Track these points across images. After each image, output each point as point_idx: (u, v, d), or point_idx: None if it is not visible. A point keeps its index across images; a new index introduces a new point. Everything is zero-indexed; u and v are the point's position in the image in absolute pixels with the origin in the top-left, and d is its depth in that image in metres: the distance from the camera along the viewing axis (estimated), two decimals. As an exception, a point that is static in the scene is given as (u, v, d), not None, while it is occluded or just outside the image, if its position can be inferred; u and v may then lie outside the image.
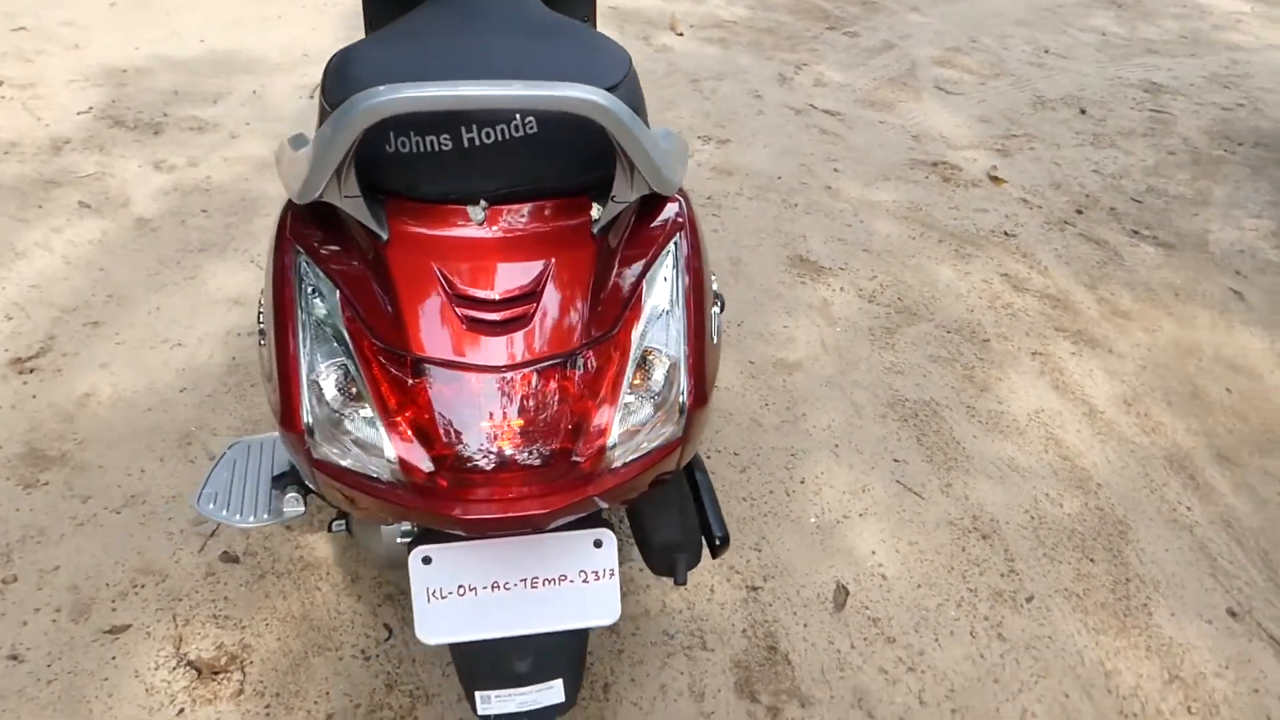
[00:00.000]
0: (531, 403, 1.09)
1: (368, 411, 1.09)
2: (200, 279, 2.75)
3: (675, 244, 1.24)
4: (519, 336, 1.10)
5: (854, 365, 2.71)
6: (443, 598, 1.24)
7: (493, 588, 1.25)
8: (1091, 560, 2.19)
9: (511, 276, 1.12)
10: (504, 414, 1.08)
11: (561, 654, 1.31)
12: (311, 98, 3.84)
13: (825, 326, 2.87)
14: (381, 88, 0.95)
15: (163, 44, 4.18)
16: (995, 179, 3.85)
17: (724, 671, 1.83)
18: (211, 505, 1.42)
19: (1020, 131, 4.32)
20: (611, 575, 1.26)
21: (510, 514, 1.07)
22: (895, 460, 2.40)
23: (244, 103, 3.76)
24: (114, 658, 1.75)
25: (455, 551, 1.23)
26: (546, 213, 1.15)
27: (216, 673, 1.73)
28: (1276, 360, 2.96)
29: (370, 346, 1.10)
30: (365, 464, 1.10)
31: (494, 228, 1.13)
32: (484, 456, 1.07)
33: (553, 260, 1.13)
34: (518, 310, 1.11)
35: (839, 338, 2.83)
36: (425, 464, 1.08)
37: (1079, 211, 3.69)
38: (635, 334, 1.17)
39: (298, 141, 1.17)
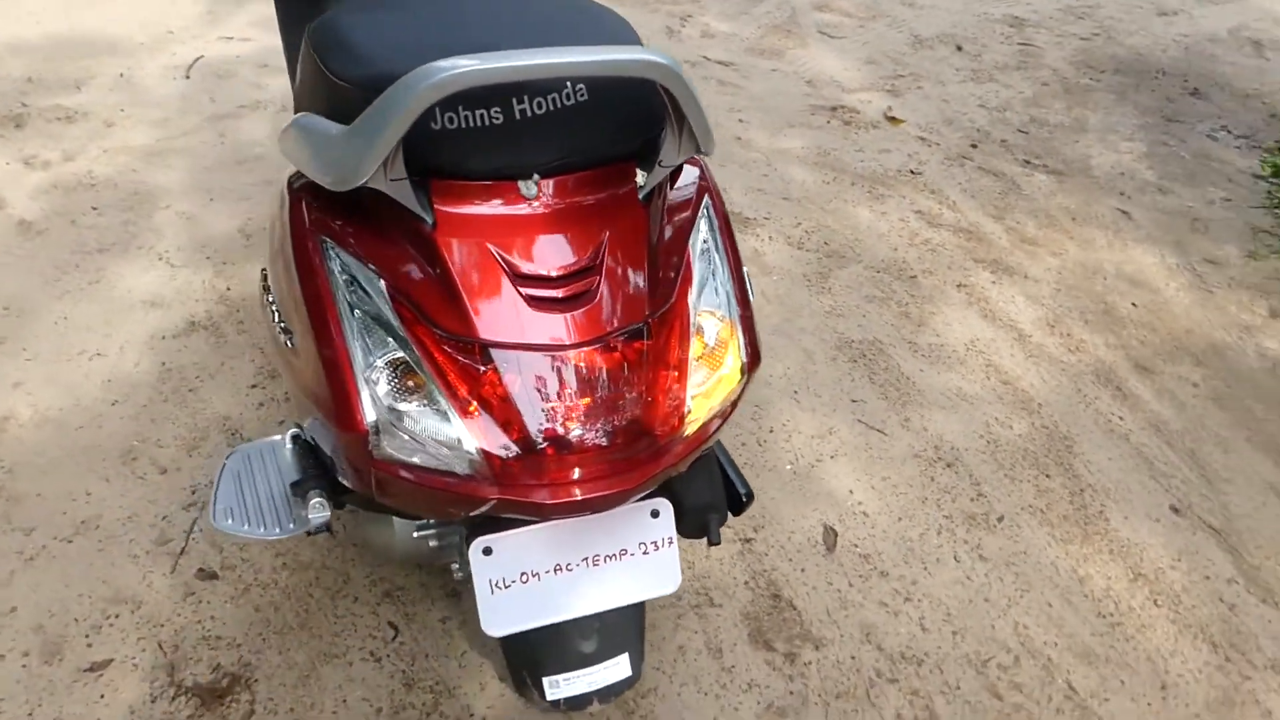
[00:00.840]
0: (604, 378, 1.06)
1: (438, 403, 1.03)
2: (107, 282, 2.55)
3: (706, 206, 1.23)
4: (584, 312, 1.06)
5: (797, 312, 2.76)
6: (506, 587, 1.20)
7: (555, 570, 1.22)
8: (1048, 476, 2.31)
9: (569, 251, 1.08)
10: (579, 392, 1.05)
11: (624, 628, 1.29)
12: (188, 78, 3.58)
13: (761, 276, 2.90)
14: (443, 62, 0.89)
15: (2, 25, 3.80)
16: (892, 119, 3.96)
17: (735, 625, 1.86)
18: (230, 521, 1.33)
19: (906, 71, 4.45)
20: (670, 544, 1.25)
21: (594, 494, 1.05)
22: (853, 400, 2.47)
23: (112, 88, 3.47)
24: (101, 696, 1.63)
25: (515, 538, 1.20)
26: (595, 183, 1.11)
27: (221, 696, 1.64)
28: (1169, 273, 3.19)
29: (429, 335, 1.04)
30: (438, 458, 1.05)
31: (545, 202, 1.08)
32: (563, 437, 1.04)
33: (607, 232, 1.09)
34: (579, 285, 1.07)
35: (777, 286, 2.87)
36: (506, 451, 1.04)
37: (973, 146, 3.84)
38: (691, 299, 1.15)
39: (313, 123, 1.08)
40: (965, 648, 1.87)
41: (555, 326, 1.05)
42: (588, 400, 1.05)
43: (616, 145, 1.12)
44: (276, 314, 1.18)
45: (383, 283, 1.06)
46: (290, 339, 1.13)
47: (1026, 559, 2.09)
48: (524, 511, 1.06)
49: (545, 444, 1.04)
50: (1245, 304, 3.07)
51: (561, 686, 1.26)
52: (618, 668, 1.28)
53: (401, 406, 1.04)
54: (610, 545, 1.23)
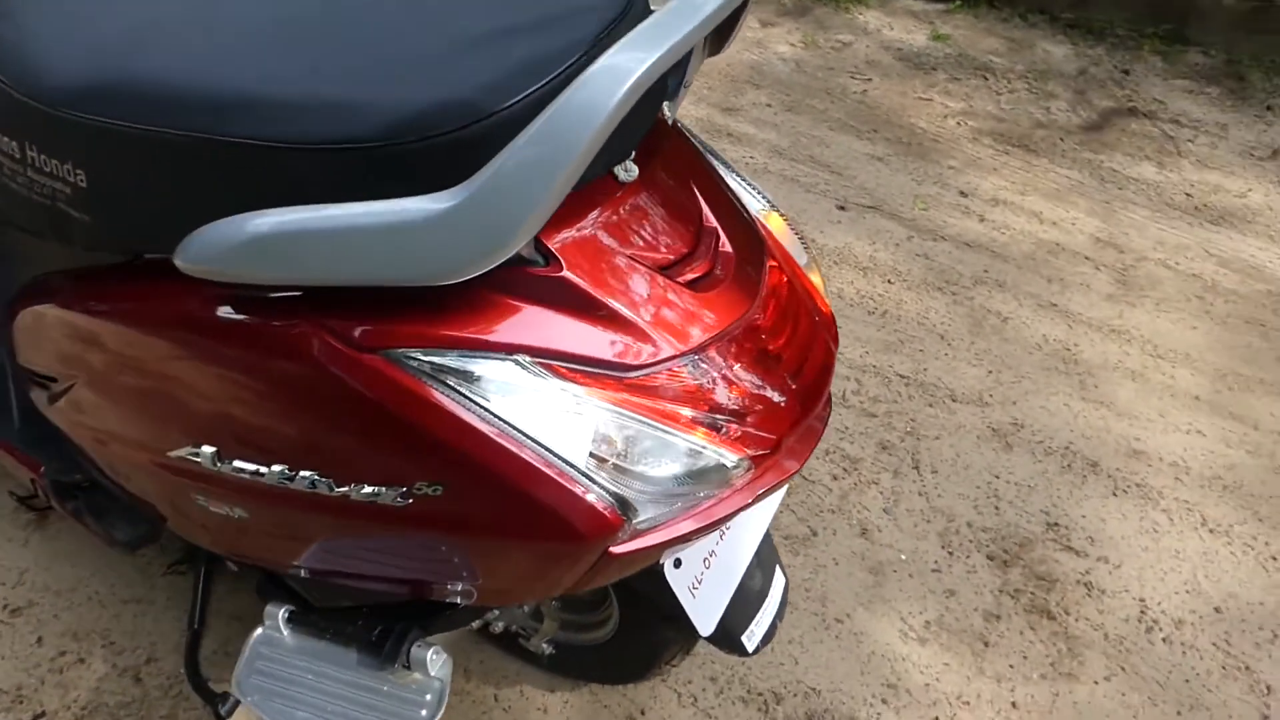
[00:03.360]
0: (790, 320, 0.94)
1: (671, 442, 0.82)
2: None
3: (700, 143, 1.10)
4: (733, 267, 0.91)
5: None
6: (699, 583, 1.06)
7: (720, 536, 1.10)
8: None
9: (683, 215, 0.91)
10: (776, 362, 0.92)
11: (763, 546, 1.23)
12: None
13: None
14: (617, 58, 0.65)
15: None
16: None
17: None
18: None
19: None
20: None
21: (799, 464, 0.95)
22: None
23: None
24: None
25: (691, 535, 1.05)
26: (653, 132, 0.92)
27: None
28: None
29: (617, 383, 0.81)
30: (694, 495, 0.86)
31: (640, 179, 0.88)
32: (780, 412, 0.91)
33: (690, 180, 0.94)
34: (711, 243, 0.91)
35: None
36: (759, 448, 0.88)
37: None
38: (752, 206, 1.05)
39: (373, 212, 0.72)
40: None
41: (727, 297, 0.88)
42: (787, 366, 0.92)
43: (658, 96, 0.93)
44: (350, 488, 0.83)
45: (515, 360, 0.79)
46: (432, 488, 0.81)
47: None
48: (775, 490, 0.93)
49: (782, 408, 0.90)
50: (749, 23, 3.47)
51: (755, 633, 1.18)
52: (779, 583, 1.23)
53: (638, 471, 0.82)
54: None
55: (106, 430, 0.99)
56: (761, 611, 1.18)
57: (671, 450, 0.82)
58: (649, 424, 0.80)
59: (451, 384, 0.78)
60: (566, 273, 0.80)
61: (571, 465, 0.79)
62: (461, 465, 0.79)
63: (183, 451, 0.89)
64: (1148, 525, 1.81)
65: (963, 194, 2.72)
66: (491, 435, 0.78)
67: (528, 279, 0.80)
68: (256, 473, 0.85)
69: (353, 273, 0.73)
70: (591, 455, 0.79)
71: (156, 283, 0.84)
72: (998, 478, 1.88)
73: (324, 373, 0.78)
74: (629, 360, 0.81)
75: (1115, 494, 1.87)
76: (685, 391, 0.83)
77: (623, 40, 0.66)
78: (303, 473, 0.83)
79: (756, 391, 0.87)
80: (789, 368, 0.91)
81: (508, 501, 0.79)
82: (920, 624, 1.61)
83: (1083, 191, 2.79)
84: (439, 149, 0.72)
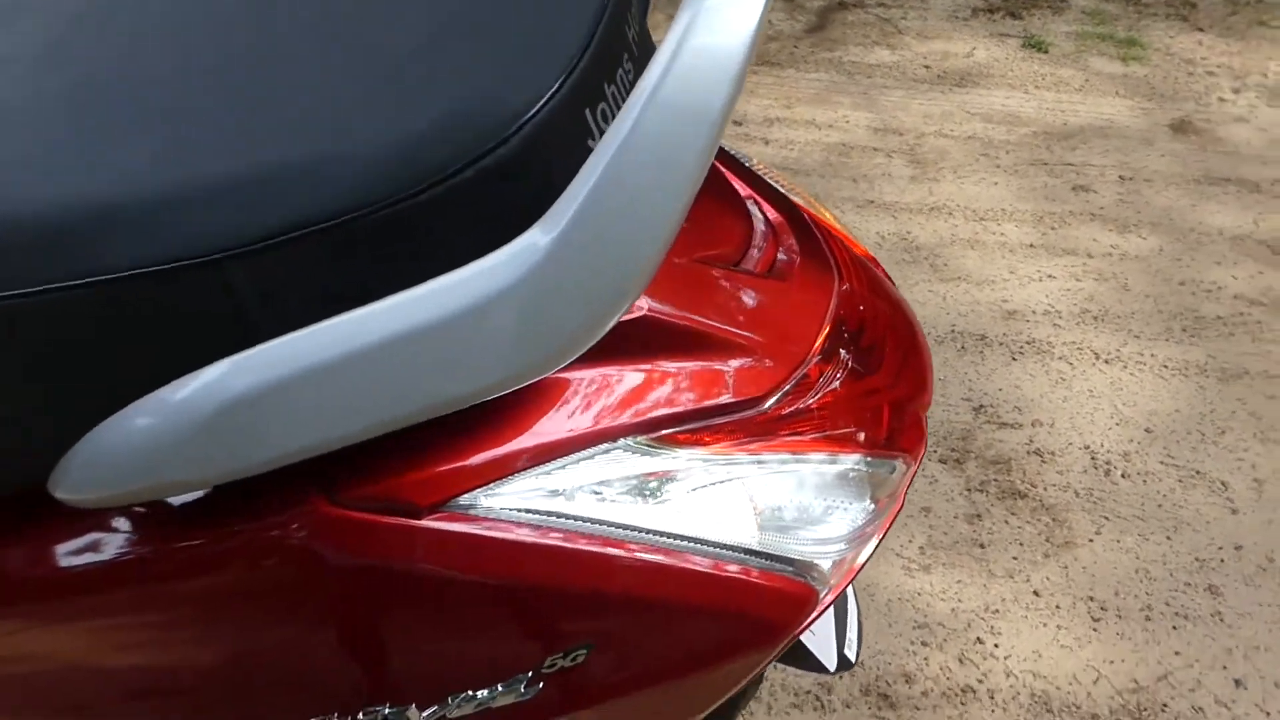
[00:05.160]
0: (873, 301, 0.79)
1: (843, 469, 0.65)
2: None
3: None
4: (803, 251, 0.74)
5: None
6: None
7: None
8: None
9: (723, 199, 0.72)
10: (881, 331, 0.76)
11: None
12: None
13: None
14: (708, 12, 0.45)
15: None
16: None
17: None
18: None
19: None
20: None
21: (925, 439, 0.82)
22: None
23: None
24: None
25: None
26: None
27: None
28: None
29: (753, 424, 0.62)
30: (873, 522, 0.69)
31: None
32: (904, 384, 0.76)
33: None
34: (767, 228, 0.74)
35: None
36: (910, 436, 0.73)
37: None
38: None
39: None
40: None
41: (811, 274, 0.71)
42: (881, 311, 0.77)
43: None
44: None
45: (620, 449, 0.58)
46: (535, 682, 0.58)
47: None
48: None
49: (904, 378, 0.75)
50: None
51: (853, 640, 1.04)
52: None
53: (817, 522, 0.63)
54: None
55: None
56: (849, 615, 1.04)
57: (841, 481, 0.65)
58: (809, 459, 0.63)
59: (550, 509, 0.57)
60: (647, 307, 0.60)
61: (743, 552, 0.60)
62: (605, 608, 0.57)
63: None
64: (1055, 377, 1.85)
65: (736, 123, 2.68)
66: (631, 556, 0.57)
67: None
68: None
69: (395, 409, 0.49)
70: (760, 528, 0.61)
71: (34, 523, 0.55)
72: (913, 382, 1.85)
73: (354, 567, 0.54)
74: (756, 390, 0.62)
75: (1015, 359, 1.89)
76: (827, 402, 0.66)
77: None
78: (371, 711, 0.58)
79: (880, 371, 0.72)
80: (891, 334, 0.76)
81: (679, 628, 0.59)
82: (915, 553, 1.54)
83: (839, 89, 2.83)
84: (461, 190, 0.49)
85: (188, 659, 0.57)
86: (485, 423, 0.56)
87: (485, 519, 0.55)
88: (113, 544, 0.54)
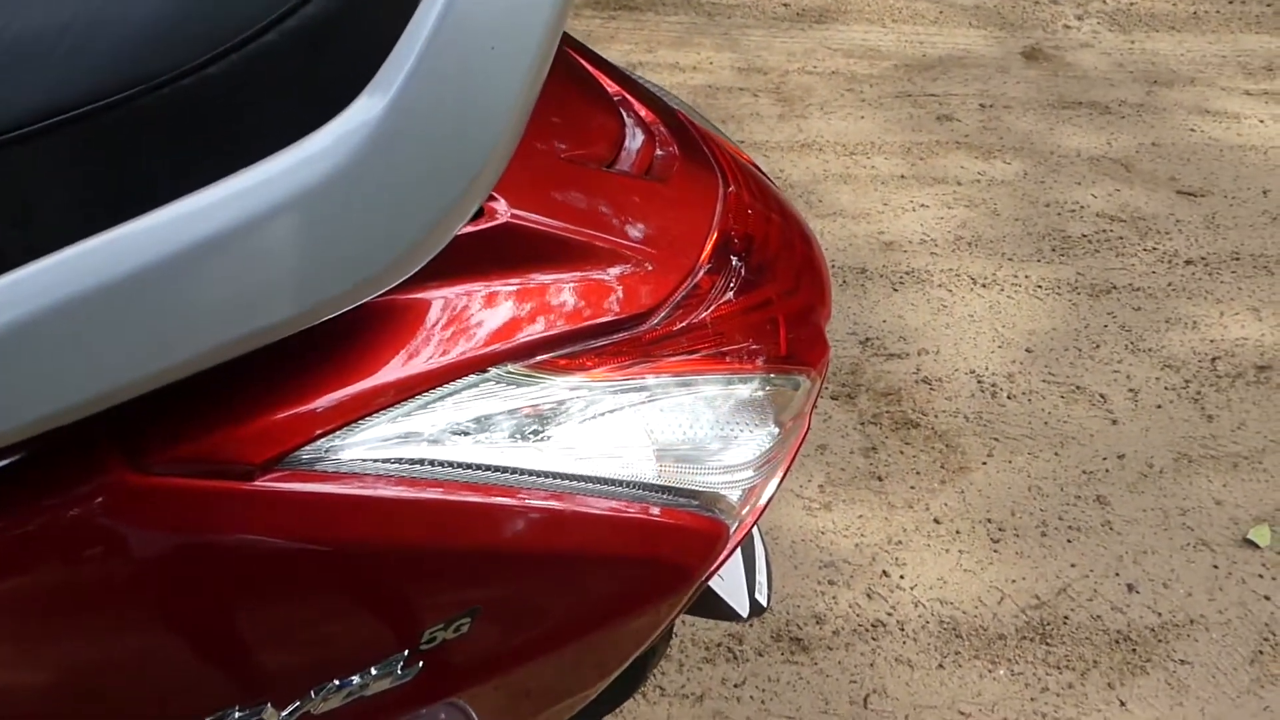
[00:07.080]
0: (761, 207, 0.71)
1: (743, 390, 0.57)
2: None
3: None
4: (682, 152, 0.66)
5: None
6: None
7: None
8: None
9: (590, 93, 0.64)
10: (771, 238, 0.69)
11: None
12: None
13: None
14: None
15: None
16: None
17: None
18: None
19: None
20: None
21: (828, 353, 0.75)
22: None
23: None
24: None
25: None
26: None
27: None
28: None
29: (640, 344, 0.53)
30: (782, 444, 0.62)
31: None
32: (801, 296, 0.70)
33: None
34: (640, 126, 0.65)
35: None
36: (814, 350, 0.66)
37: None
38: None
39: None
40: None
41: (693, 176, 0.63)
42: (770, 218, 0.70)
43: None
44: None
45: (491, 380, 0.49)
46: (413, 660, 0.48)
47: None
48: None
49: (802, 288, 0.68)
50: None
51: (763, 584, 0.98)
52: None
53: (718, 450, 0.55)
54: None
55: None
56: (756, 557, 0.98)
57: (743, 403, 0.57)
58: (706, 380, 0.55)
59: (413, 457, 0.47)
60: (509, 213, 0.51)
61: (642, 488, 0.52)
62: (488, 567, 0.49)
63: None
64: (935, 305, 1.84)
65: (598, 71, 2.58)
66: (514, 504, 0.48)
67: (457, 247, 0.49)
68: None
69: (184, 347, 0.38)
70: (658, 461, 0.53)
71: None
72: (798, 319, 1.81)
73: (174, 545, 0.43)
74: (641, 304, 0.54)
75: (895, 289, 1.87)
76: (721, 315, 0.58)
77: None
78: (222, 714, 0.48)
79: (776, 281, 0.65)
80: (784, 240, 0.69)
81: (576, 581, 0.51)
82: (815, 491, 1.51)
83: (700, 30, 2.76)
84: (262, 60, 0.39)
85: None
86: (327, 359, 0.46)
87: (334, 475, 0.46)
88: None
